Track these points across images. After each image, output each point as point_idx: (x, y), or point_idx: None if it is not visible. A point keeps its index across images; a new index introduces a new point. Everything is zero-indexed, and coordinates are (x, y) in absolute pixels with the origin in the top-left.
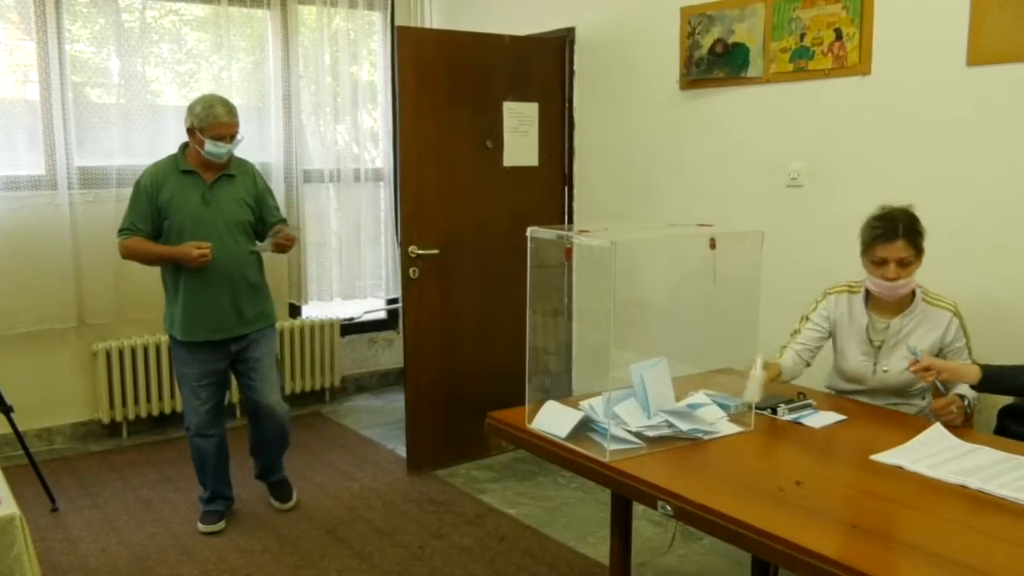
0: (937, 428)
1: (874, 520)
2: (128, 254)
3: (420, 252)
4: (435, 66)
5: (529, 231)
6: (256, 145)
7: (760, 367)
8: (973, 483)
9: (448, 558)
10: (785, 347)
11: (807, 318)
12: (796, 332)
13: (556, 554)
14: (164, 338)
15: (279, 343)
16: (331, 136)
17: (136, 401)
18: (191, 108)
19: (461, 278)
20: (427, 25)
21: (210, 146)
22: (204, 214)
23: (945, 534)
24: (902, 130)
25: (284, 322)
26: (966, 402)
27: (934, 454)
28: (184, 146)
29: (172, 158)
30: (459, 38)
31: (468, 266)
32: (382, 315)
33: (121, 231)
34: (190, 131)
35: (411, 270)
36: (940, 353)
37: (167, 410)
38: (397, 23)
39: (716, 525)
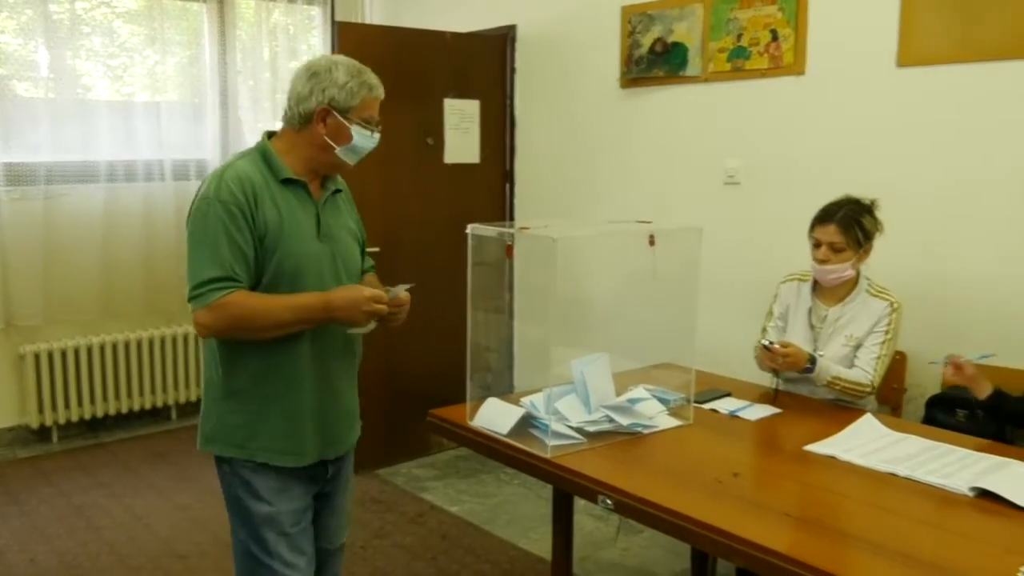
0: (868, 419)
1: (808, 509)
2: (234, 322)
3: None
4: (376, 62)
5: (469, 228)
6: (192, 142)
7: None
8: (902, 471)
9: (390, 557)
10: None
11: (770, 313)
12: (764, 330)
13: (498, 551)
14: (97, 339)
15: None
16: None
17: (67, 405)
18: (318, 75)
19: (402, 276)
20: (368, 21)
21: (359, 137)
22: (322, 253)
23: (876, 521)
24: (835, 129)
25: None
26: (811, 365)
27: (865, 444)
28: (268, 136)
29: (257, 158)
30: (400, 34)
31: (409, 264)
32: None
33: (210, 284)
34: (320, 113)
35: None
36: (860, 342)
37: (99, 413)
38: (337, 18)
39: (656, 518)
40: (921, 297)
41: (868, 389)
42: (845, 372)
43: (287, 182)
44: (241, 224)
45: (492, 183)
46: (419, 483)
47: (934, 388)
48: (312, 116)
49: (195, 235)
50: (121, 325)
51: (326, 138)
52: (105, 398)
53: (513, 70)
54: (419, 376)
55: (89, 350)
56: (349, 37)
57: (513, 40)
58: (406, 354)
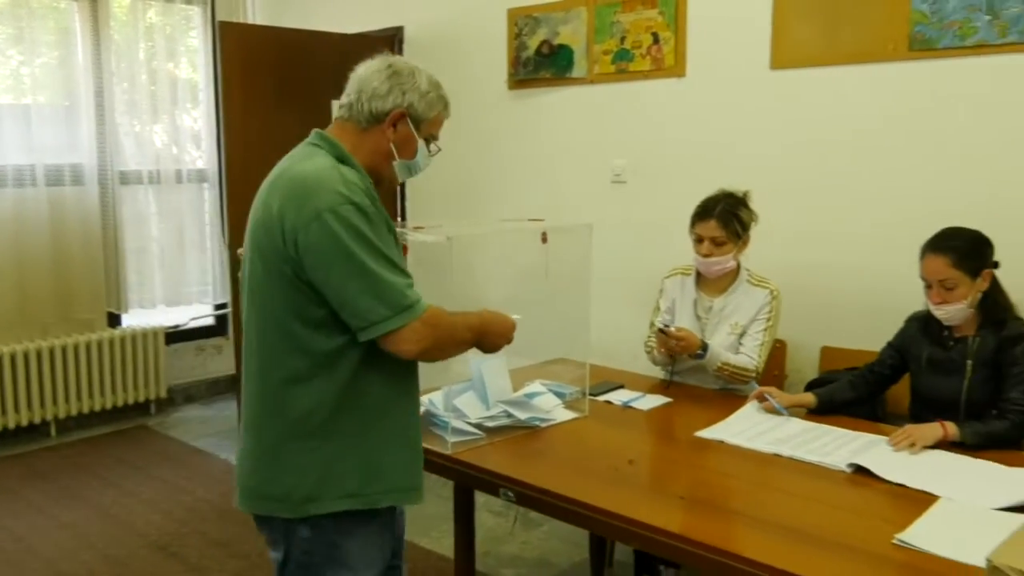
0: (753, 404)
1: (700, 490)
2: (437, 341)
3: None
4: (261, 64)
5: None
6: (66, 146)
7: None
8: (785, 451)
9: None
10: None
11: (657, 308)
12: (652, 324)
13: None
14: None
15: (96, 354)
16: (148, 136)
17: None
18: (400, 75)
19: None
20: (251, 21)
21: (421, 154)
22: None
23: (762, 498)
24: (714, 128)
25: (103, 332)
26: (702, 351)
27: (750, 427)
28: (332, 145)
29: (335, 161)
30: (286, 35)
31: None
32: (210, 321)
33: (413, 296)
34: (395, 116)
35: (240, 273)
36: (745, 330)
37: (11, 425)
38: (219, 18)
39: (556, 507)
40: (798, 286)
41: (753, 374)
42: (733, 358)
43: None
44: (385, 230)
45: None
46: None
47: (812, 373)
48: (384, 117)
49: (350, 248)
50: None
51: (392, 144)
52: (17, 408)
53: None
54: None
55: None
56: (232, 37)
57: (401, 41)
58: None
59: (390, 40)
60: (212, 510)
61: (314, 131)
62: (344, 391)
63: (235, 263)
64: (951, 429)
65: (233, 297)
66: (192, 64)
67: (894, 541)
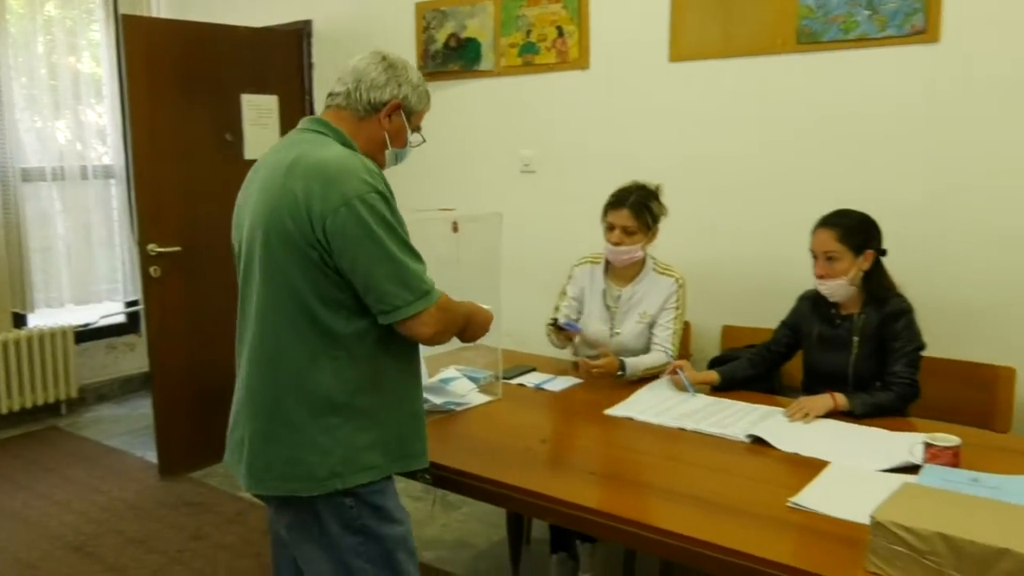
0: (659, 382)
1: (609, 465)
2: (445, 326)
3: (161, 250)
4: (167, 58)
5: None
6: None
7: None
8: (689, 425)
9: (210, 558)
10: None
11: (564, 293)
12: (557, 308)
13: None
14: None
15: (2, 355)
16: (51, 132)
17: None
18: (395, 67)
19: (206, 274)
20: (154, 14)
21: (410, 144)
22: None
23: (668, 470)
24: (618, 119)
25: (7, 333)
26: (622, 371)
27: (656, 404)
28: (337, 132)
29: (343, 146)
30: (192, 28)
31: (213, 262)
32: (121, 319)
33: (429, 282)
34: (392, 107)
35: (152, 269)
36: (654, 319)
37: None
38: (121, 11)
39: (474, 487)
40: (701, 272)
41: (670, 364)
42: (649, 360)
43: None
44: (401, 217)
45: None
46: (236, 482)
47: (715, 351)
48: (382, 107)
49: (377, 235)
50: None
51: (386, 134)
52: None
53: (311, 65)
54: (230, 375)
55: None
56: (136, 31)
57: (309, 35)
58: (215, 354)
59: (298, 34)
60: (129, 508)
61: (309, 118)
62: (363, 371)
63: (146, 259)
64: (840, 400)
65: (144, 293)
66: (95, 58)
67: (788, 504)
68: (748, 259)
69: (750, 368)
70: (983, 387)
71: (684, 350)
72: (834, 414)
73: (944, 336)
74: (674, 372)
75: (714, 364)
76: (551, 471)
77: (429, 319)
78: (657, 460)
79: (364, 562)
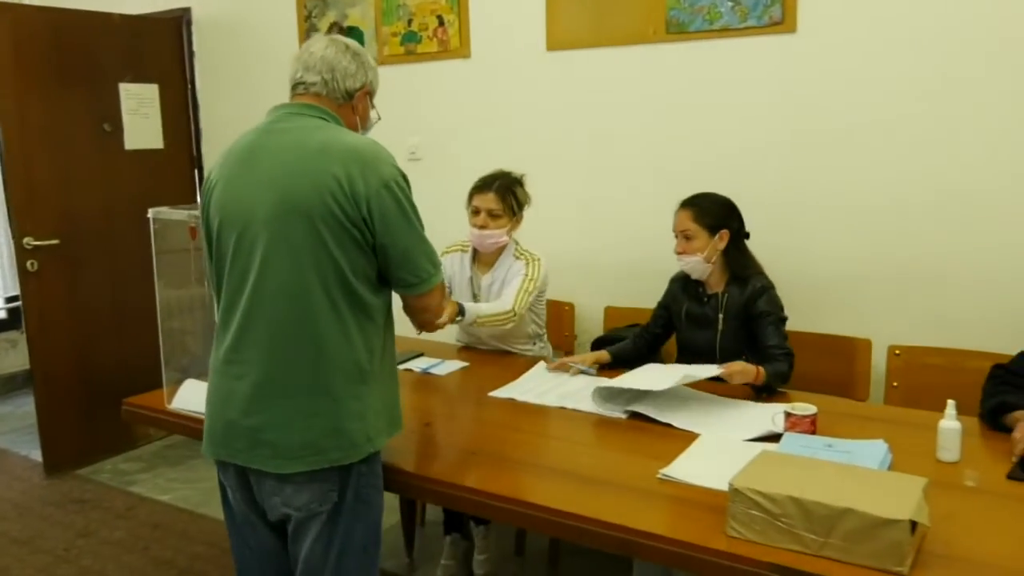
0: (541, 365)
1: (490, 445)
2: (440, 311)
3: (37, 243)
4: (38, 46)
5: (151, 212)
6: None
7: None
8: (570, 404)
9: (98, 555)
10: None
11: None
12: None
13: (213, 532)
14: None
15: None
16: None
17: None
18: (359, 55)
19: (88, 267)
20: (24, 1)
21: (372, 121)
22: None
23: (546, 448)
24: (499, 107)
25: None
26: (460, 316)
27: (539, 385)
28: (334, 118)
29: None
30: (63, 16)
31: (94, 254)
32: (1, 315)
33: (437, 259)
34: (363, 93)
35: (29, 263)
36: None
37: None
38: None
39: None
40: (583, 255)
41: (511, 314)
42: (487, 308)
43: None
44: None
45: (179, 168)
46: (126, 477)
47: (598, 331)
48: (354, 94)
49: (410, 215)
50: None
51: (357, 118)
52: None
53: (192, 53)
54: (116, 369)
55: None
56: (4, 19)
57: (189, 23)
58: (99, 348)
59: (177, 21)
60: (12, 508)
61: (300, 103)
62: (383, 338)
63: (22, 253)
64: (762, 373)
65: (22, 288)
66: None
67: (659, 476)
68: (627, 242)
69: (633, 348)
70: (843, 358)
71: (569, 331)
72: (704, 386)
73: (807, 311)
74: (565, 367)
75: (598, 344)
76: (434, 453)
77: (440, 291)
78: (536, 438)
79: (364, 532)
